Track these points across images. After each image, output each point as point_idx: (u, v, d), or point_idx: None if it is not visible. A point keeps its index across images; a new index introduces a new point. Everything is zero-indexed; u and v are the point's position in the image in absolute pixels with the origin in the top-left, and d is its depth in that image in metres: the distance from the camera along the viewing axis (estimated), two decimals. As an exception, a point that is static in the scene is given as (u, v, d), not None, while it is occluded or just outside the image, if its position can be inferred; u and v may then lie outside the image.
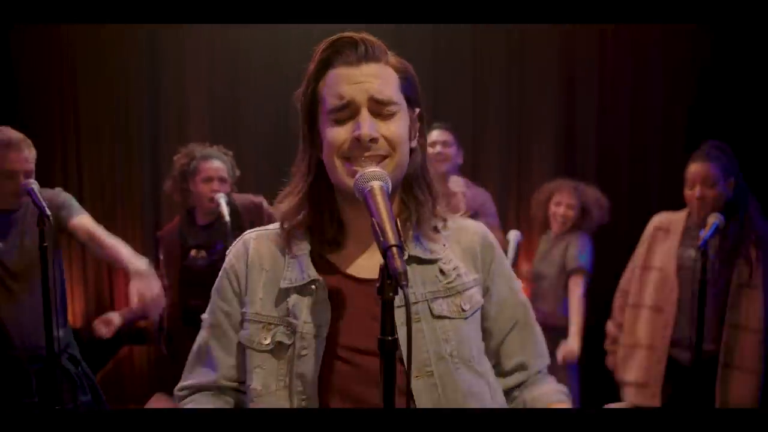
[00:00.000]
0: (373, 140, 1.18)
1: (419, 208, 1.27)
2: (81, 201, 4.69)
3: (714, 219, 2.53)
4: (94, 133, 4.87)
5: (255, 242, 1.31)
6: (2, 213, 2.67)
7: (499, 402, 1.33)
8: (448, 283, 1.27)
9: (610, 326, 3.20)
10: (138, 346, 4.63)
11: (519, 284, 1.40)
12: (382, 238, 1.00)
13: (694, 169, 2.84)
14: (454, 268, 1.28)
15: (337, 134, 1.20)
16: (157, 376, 4.49)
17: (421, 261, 1.27)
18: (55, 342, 2.44)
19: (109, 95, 4.84)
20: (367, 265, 1.26)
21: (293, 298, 1.23)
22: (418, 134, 1.29)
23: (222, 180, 3.27)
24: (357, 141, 1.18)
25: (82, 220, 2.84)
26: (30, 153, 2.63)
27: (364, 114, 1.19)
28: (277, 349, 1.23)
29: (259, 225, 1.41)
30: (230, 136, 4.77)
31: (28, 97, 4.72)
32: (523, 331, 1.38)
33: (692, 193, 2.85)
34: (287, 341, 1.22)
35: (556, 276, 3.50)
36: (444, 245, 1.29)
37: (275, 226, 1.31)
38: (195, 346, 1.35)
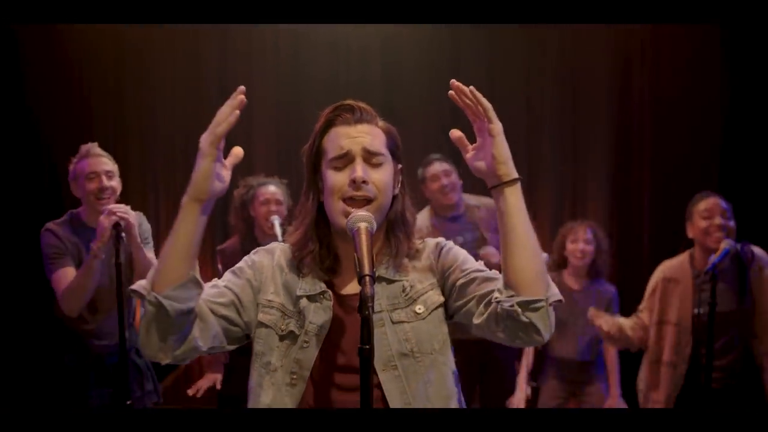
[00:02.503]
0: (365, 182, 1.48)
1: (398, 244, 1.56)
2: (157, 216, 5.18)
3: (725, 245, 2.67)
4: (169, 152, 5.24)
5: (280, 251, 1.63)
6: (92, 228, 2.98)
7: (454, 386, 1.58)
8: (406, 296, 1.54)
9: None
10: None
11: (471, 261, 1.59)
12: (358, 269, 1.30)
13: (710, 203, 2.99)
14: (411, 284, 1.55)
15: (337, 178, 1.51)
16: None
17: (389, 281, 1.55)
18: (127, 341, 2.81)
19: (183, 119, 5.17)
20: (355, 285, 1.51)
21: (304, 301, 1.54)
22: (399, 185, 1.60)
23: (278, 202, 3.56)
24: (353, 182, 1.48)
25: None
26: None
27: (359, 161, 1.50)
28: (288, 336, 1.53)
29: None
30: (293, 156, 5.12)
31: (101, 114, 5.17)
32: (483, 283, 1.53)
33: (709, 222, 2.94)
34: (297, 332, 1.52)
35: (584, 324, 3.55)
36: (408, 268, 1.57)
37: None
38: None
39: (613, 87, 5.11)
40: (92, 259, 2.79)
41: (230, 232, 3.99)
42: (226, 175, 1.43)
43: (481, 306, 1.46)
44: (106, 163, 2.99)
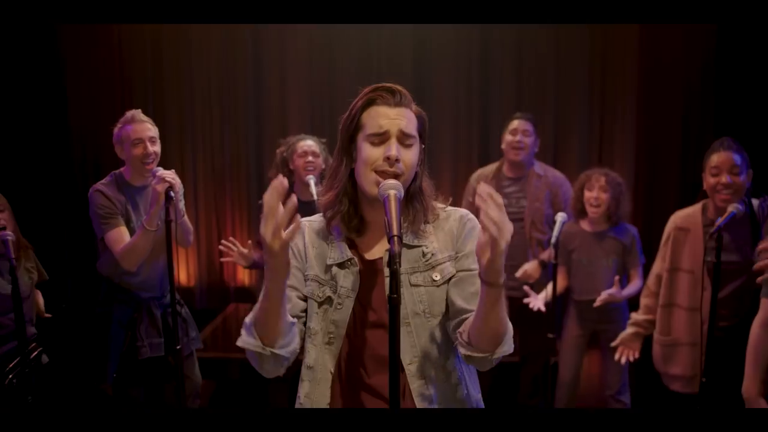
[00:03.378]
0: (397, 160, 1.66)
1: (415, 213, 1.75)
2: (195, 177, 5.46)
3: (732, 208, 2.75)
4: (207, 118, 5.56)
5: (308, 228, 1.83)
6: (136, 186, 3.27)
7: (454, 356, 1.78)
8: (426, 261, 1.74)
9: (637, 316, 3.38)
10: (243, 304, 5.19)
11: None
12: (388, 230, 1.49)
13: (721, 157, 2.95)
14: (431, 251, 1.75)
15: (373, 152, 1.68)
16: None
17: (409, 246, 1.74)
18: (176, 293, 3.07)
19: (219, 87, 5.51)
20: (378, 249, 1.75)
21: (334, 269, 1.75)
22: (421, 163, 1.76)
23: (315, 154, 3.76)
24: (387, 159, 1.66)
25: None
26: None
27: (393, 141, 1.68)
28: (326, 301, 1.75)
29: None
30: (326, 121, 5.37)
31: (157, 92, 5.49)
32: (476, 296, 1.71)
33: (717, 180, 2.95)
34: (332, 297, 1.74)
35: (611, 266, 3.72)
36: (429, 235, 1.76)
37: (318, 216, 1.82)
38: None
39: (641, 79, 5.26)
40: (150, 222, 3.02)
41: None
42: (287, 251, 1.56)
43: (456, 320, 1.71)
44: (150, 129, 3.19)
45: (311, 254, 1.80)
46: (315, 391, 1.76)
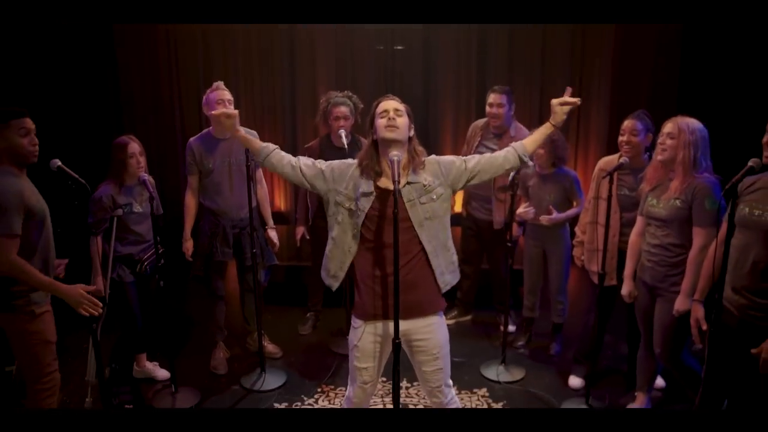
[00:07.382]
0: (394, 119, 2.89)
1: (414, 161, 2.95)
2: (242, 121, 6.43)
3: (622, 160, 3.86)
4: (249, 83, 6.46)
5: (355, 166, 3.00)
6: (217, 139, 4.48)
7: (449, 231, 3.03)
8: (425, 189, 2.92)
9: (577, 230, 4.56)
10: (280, 226, 5.64)
11: (453, 158, 3.04)
12: (393, 177, 2.75)
13: (628, 123, 3.98)
14: (428, 183, 2.92)
15: (382, 121, 2.90)
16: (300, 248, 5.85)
17: (414, 182, 2.92)
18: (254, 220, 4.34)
19: (260, 78, 6.43)
20: (390, 184, 2.88)
21: (360, 195, 2.93)
22: (412, 131, 2.97)
23: (346, 118, 4.76)
24: (388, 118, 2.88)
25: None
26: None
27: (391, 112, 2.90)
28: (349, 211, 2.95)
29: None
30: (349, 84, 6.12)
31: (207, 77, 6.23)
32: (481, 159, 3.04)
33: (622, 138, 3.97)
34: (354, 208, 2.93)
35: (553, 200, 4.76)
36: (423, 174, 2.94)
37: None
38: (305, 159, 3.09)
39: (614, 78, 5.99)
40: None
41: (313, 137, 5.26)
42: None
43: (491, 159, 3.03)
44: (227, 94, 4.36)
45: (350, 181, 2.98)
46: (334, 250, 2.99)
